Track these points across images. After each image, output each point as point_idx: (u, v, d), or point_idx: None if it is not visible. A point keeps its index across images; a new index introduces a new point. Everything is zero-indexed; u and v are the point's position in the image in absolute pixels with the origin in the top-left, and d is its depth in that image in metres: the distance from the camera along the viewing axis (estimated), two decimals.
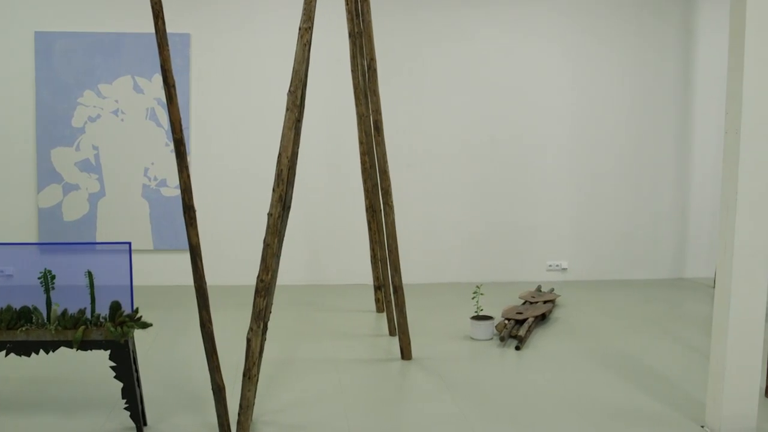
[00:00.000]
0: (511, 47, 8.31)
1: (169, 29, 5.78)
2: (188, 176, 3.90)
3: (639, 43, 8.53)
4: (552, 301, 7.10)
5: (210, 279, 4.90)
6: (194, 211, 3.93)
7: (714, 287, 4.37)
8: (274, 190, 4.20)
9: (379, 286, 6.94)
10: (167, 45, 3.80)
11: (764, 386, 4.95)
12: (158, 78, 7.71)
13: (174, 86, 3.82)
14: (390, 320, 6.26)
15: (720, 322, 4.32)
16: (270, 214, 4.19)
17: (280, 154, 4.21)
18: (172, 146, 6.42)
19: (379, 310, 7.02)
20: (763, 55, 4.10)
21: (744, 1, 4.07)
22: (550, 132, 8.45)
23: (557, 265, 8.58)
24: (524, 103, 8.38)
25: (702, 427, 4.45)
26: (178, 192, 7.78)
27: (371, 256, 6.86)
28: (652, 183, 8.72)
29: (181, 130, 3.85)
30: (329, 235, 8.19)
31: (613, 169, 8.62)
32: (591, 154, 8.56)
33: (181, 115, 3.96)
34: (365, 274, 7.72)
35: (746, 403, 4.33)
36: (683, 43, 8.62)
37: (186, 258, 4.35)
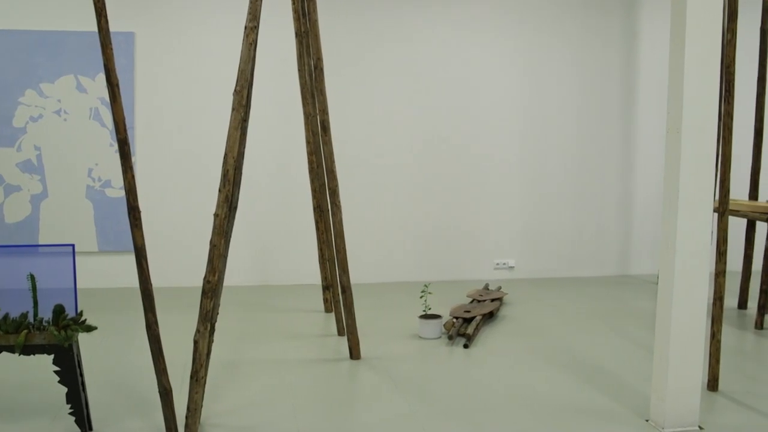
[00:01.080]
0: (458, 47, 8.36)
1: (112, 28, 5.69)
2: (133, 177, 3.85)
3: (584, 44, 8.65)
4: (499, 299, 7.15)
5: (156, 281, 4.85)
6: (139, 212, 3.89)
7: (657, 284, 4.44)
8: (220, 190, 4.16)
9: (327, 286, 6.93)
10: (110, 43, 3.74)
11: (707, 380, 5.06)
12: (102, 77, 7.60)
13: (117, 85, 3.76)
14: (338, 320, 6.26)
15: (663, 317, 4.39)
16: (216, 215, 4.15)
17: (226, 155, 4.18)
18: (116, 146, 6.34)
19: (327, 310, 7.01)
20: (703, 56, 4.18)
21: (684, 4, 4.15)
22: (498, 131, 8.52)
23: (504, 264, 8.66)
24: (472, 102, 8.43)
25: (646, 420, 4.53)
26: (122, 193, 7.67)
27: (319, 256, 6.85)
28: (598, 182, 8.85)
29: (125, 130, 3.80)
30: (277, 236, 8.16)
31: (560, 169, 8.73)
32: (537, 154, 8.65)
33: (126, 115, 3.91)
34: (313, 274, 7.70)
35: (689, 396, 4.41)
36: (627, 44, 8.76)
37: (131, 260, 4.30)
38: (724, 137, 5.10)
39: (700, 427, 4.42)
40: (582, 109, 8.73)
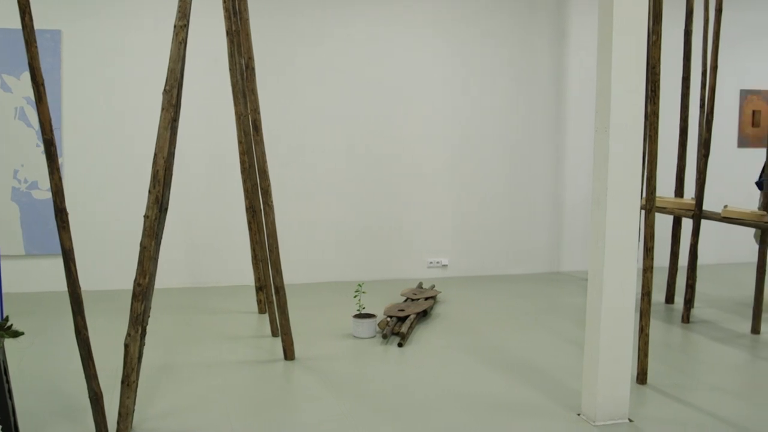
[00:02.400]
0: (390, 46, 8.38)
1: (38, 25, 5.56)
2: (60, 178, 3.77)
3: (515, 44, 8.75)
4: (433, 298, 7.20)
5: (85, 284, 4.76)
6: (67, 214, 3.81)
7: (587, 280, 4.52)
8: (150, 191, 4.11)
9: (260, 287, 6.88)
10: (35, 41, 3.66)
11: (636, 373, 5.17)
12: (27, 76, 7.42)
13: (43, 85, 3.68)
14: (272, 321, 6.22)
15: (593, 313, 4.47)
16: (146, 216, 4.10)
17: (156, 155, 4.12)
18: (42, 147, 6.20)
19: (261, 311, 6.96)
20: (629, 56, 4.27)
21: (611, 7, 4.23)
22: (430, 131, 8.57)
23: (438, 262, 8.72)
24: (404, 101, 8.46)
25: (578, 415, 4.60)
26: (49, 194, 7.51)
27: (252, 257, 6.80)
28: (529, 180, 8.96)
29: (51, 131, 3.72)
30: (209, 237, 8.06)
31: (491, 167, 8.81)
32: (470, 153, 8.72)
33: (52, 115, 3.83)
34: (246, 275, 7.64)
35: (619, 390, 4.50)
36: (557, 45, 8.89)
37: (59, 263, 4.22)
38: (650, 136, 5.21)
39: (630, 420, 4.52)
40: (513, 109, 8.83)
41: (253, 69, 5.58)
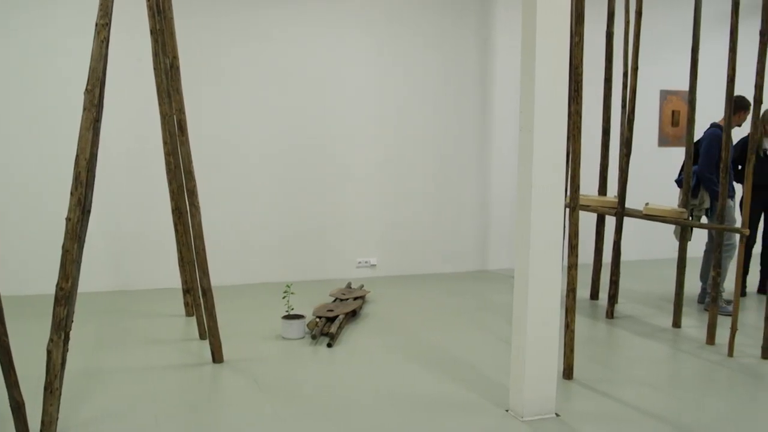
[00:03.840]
0: (317, 46, 8.36)
1: None
2: None
3: (442, 43, 8.82)
4: (362, 298, 7.20)
5: (4, 289, 4.64)
6: None
7: (514, 277, 4.58)
8: (72, 193, 4.02)
9: (187, 290, 6.79)
10: None
11: (562, 369, 5.25)
12: None
13: None
14: (200, 323, 6.15)
15: (519, 310, 4.53)
16: (68, 219, 4.01)
17: (77, 156, 4.04)
18: None
19: (188, 313, 6.87)
20: (552, 58, 4.34)
21: (534, 8, 4.29)
22: (358, 130, 8.58)
23: (366, 262, 8.73)
24: (332, 101, 8.45)
25: (506, 410, 4.66)
26: None
27: (179, 259, 6.71)
28: (456, 179, 9.04)
29: None
30: (134, 239, 7.92)
31: (419, 167, 8.87)
32: (397, 152, 8.75)
33: None
34: (173, 278, 7.54)
35: (546, 385, 4.57)
36: (483, 46, 8.99)
37: None
38: (573, 135, 5.30)
39: (557, 414, 4.59)
40: (440, 109, 8.89)
41: (177, 68, 5.50)
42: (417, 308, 7.33)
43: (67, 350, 4.09)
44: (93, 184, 4.15)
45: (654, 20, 9.39)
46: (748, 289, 8.16)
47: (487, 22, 9.00)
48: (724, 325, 6.59)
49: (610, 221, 8.07)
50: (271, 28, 8.19)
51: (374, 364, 5.58)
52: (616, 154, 8.48)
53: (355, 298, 7.10)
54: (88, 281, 7.39)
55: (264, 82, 8.20)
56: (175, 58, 5.49)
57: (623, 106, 7.36)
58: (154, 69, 6.19)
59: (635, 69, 7.10)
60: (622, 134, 7.31)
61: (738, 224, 7.12)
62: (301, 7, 8.27)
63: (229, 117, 8.11)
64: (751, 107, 6.06)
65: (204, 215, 6.13)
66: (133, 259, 7.95)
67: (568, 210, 6.32)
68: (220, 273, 7.82)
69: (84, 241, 4.13)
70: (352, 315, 6.81)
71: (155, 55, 6.14)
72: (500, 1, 9.05)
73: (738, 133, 8.02)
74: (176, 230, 6.51)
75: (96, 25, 4.15)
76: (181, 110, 5.50)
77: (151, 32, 6.09)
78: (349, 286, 7.72)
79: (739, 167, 7.82)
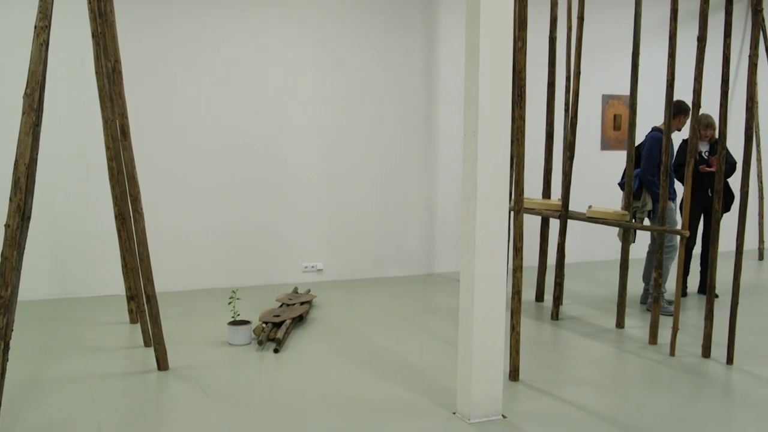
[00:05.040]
0: (261, 50, 8.31)
1: None
2: None
3: (387, 46, 8.83)
4: (309, 302, 7.18)
5: None
6: None
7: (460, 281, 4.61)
8: (11, 199, 3.94)
9: (131, 296, 6.70)
10: None
11: (508, 370, 5.29)
12: None
13: None
14: (144, 331, 6.07)
15: (465, 312, 4.56)
16: (7, 226, 3.93)
17: (17, 161, 3.96)
18: None
19: (132, 320, 6.78)
20: (495, 63, 4.38)
21: (478, 14, 4.33)
22: (303, 135, 8.55)
23: (313, 267, 8.70)
24: (277, 105, 8.41)
25: (453, 413, 4.68)
26: None
27: (122, 266, 6.61)
28: (401, 183, 9.06)
29: None
30: (76, 246, 7.79)
31: (365, 171, 8.87)
32: (343, 156, 8.75)
33: None
34: (117, 284, 7.43)
35: (492, 387, 4.60)
36: (428, 50, 9.03)
37: None
38: (517, 139, 5.36)
39: (504, 416, 4.63)
40: (386, 112, 8.91)
41: (120, 72, 5.44)
42: (364, 312, 7.33)
43: (7, 360, 4.01)
44: (33, 189, 4.08)
45: (596, 26, 9.54)
46: (688, 290, 8.31)
47: (432, 26, 9.05)
48: (665, 325, 6.71)
49: (554, 224, 8.17)
50: (214, 32, 8.12)
51: (321, 369, 5.57)
52: (559, 158, 8.58)
53: (302, 303, 7.07)
54: (28, 289, 7.24)
55: (207, 86, 8.13)
56: (117, 61, 5.42)
57: (566, 111, 7.46)
58: (96, 73, 6.11)
59: (578, 74, 7.20)
60: (565, 138, 7.40)
61: (679, 226, 7.26)
62: (244, 10, 8.21)
63: (172, 121, 8.02)
64: (691, 111, 6.18)
65: (148, 221, 6.05)
66: (76, 266, 7.81)
67: (512, 213, 6.38)
68: (164, 279, 7.73)
69: (24, 248, 4.05)
70: (299, 320, 6.79)
71: (97, 58, 6.06)
72: (444, 5, 9.11)
73: (679, 137, 8.18)
74: (119, 236, 6.42)
75: (35, 27, 4.08)
76: (123, 115, 5.43)
77: (93, 35, 6.01)
78: (295, 290, 7.69)
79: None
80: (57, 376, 5.34)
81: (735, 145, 8.91)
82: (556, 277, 7.25)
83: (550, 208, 7.36)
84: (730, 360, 5.83)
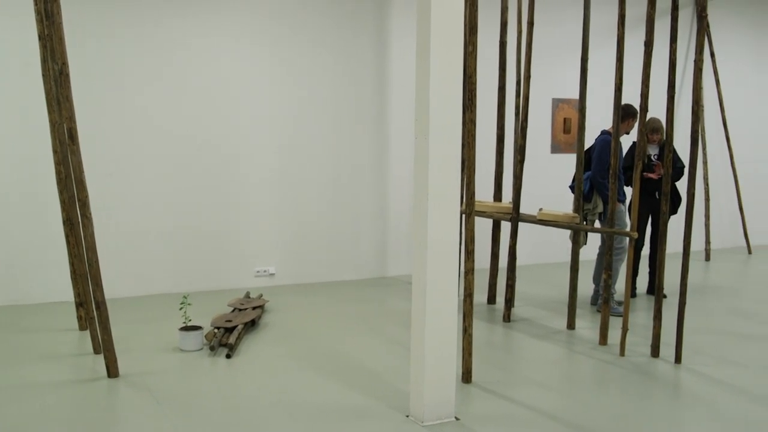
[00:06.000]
0: (214, 53, 8.24)
1: None
2: None
3: (339, 49, 8.82)
4: (261, 307, 7.14)
5: None
6: None
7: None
8: None
9: (80, 303, 6.60)
10: None
11: (461, 373, 5.32)
12: None
13: None
14: (94, 337, 5.98)
15: (418, 315, 4.57)
16: None
17: None
18: None
19: (81, 327, 6.68)
20: (446, 67, 4.40)
21: (429, 18, 4.35)
22: (254, 138, 8.49)
23: (265, 271, 8.66)
24: (229, 109, 8.35)
25: (407, 416, 4.69)
26: None
27: (71, 272, 6.51)
28: (353, 186, 9.05)
29: None
30: (24, 251, 7.64)
31: (316, 174, 8.84)
32: (294, 159, 8.71)
33: None
34: (65, 291, 7.31)
35: (445, 390, 4.62)
36: (379, 53, 9.04)
37: None
38: (468, 143, 5.39)
39: (457, 418, 4.65)
40: (338, 116, 8.89)
41: (67, 75, 5.35)
42: (316, 316, 7.31)
43: None
44: None
45: (546, 30, 9.64)
46: (638, 290, 8.43)
47: (384, 28, 9.06)
48: (615, 325, 6.80)
49: (506, 227, 8.23)
50: (165, 34, 8.03)
51: (274, 374, 5.54)
52: (510, 161, 8.65)
53: (254, 308, 7.03)
54: None
55: (157, 89, 8.03)
56: (64, 64, 5.34)
57: (517, 114, 7.52)
58: (43, 75, 6.02)
59: (528, 78, 7.27)
60: (515, 141, 7.46)
61: (628, 228, 7.36)
62: (195, 13, 8.14)
63: (121, 124, 7.91)
64: (638, 115, 6.28)
65: (97, 226, 5.98)
66: (23, 272, 7.66)
67: (464, 216, 6.42)
68: (114, 285, 7.63)
69: None
70: (251, 325, 6.75)
71: (44, 61, 5.97)
72: (396, 8, 9.13)
73: (628, 140, 8.30)
74: (68, 242, 6.32)
75: None
76: (71, 118, 5.35)
77: (40, 37, 5.92)
78: (247, 295, 7.64)
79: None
80: (4, 384, 5.24)
81: (682, 148, 9.09)
82: (508, 279, 7.30)
83: (501, 210, 7.41)
84: (678, 359, 5.93)
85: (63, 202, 6.28)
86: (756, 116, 12.14)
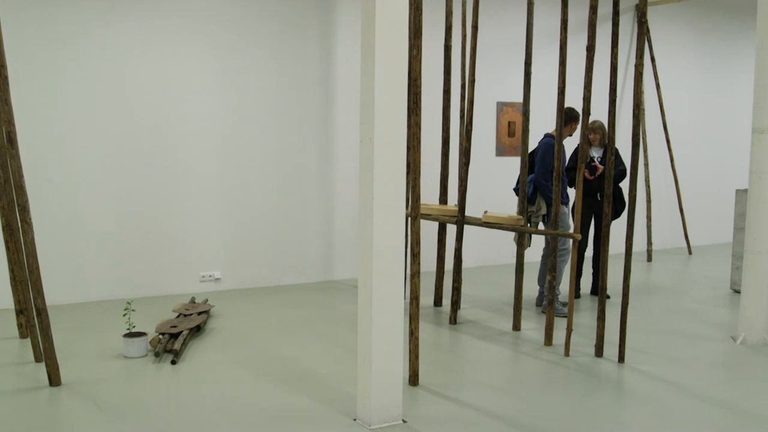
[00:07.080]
0: (156, 56, 8.14)
1: None
2: None
3: (283, 52, 8.77)
4: (206, 312, 7.08)
5: None
6: None
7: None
8: None
9: (20, 310, 6.47)
10: None
11: (408, 375, 5.33)
12: None
13: None
14: (35, 345, 5.86)
15: (364, 318, 4.58)
16: None
17: None
18: None
19: (22, 335, 6.54)
20: (391, 70, 4.42)
21: (373, 22, 4.36)
22: (198, 142, 8.41)
23: (210, 276, 8.57)
24: (170, 112, 8.25)
25: (354, 420, 4.69)
26: None
27: (10, 278, 6.37)
28: (299, 190, 9.01)
29: None
30: None
31: (261, 177, 8.78)
32: (239, 164, 8.64)
33: None
34: (5, 298, 7.16)
35: (392, 393, 4.63)
36: (324, 57, 9.02)
37: None
38: (413, 146, 5.40)
39: (404, 421, 4.66)
40: (282, 119, 8.85)
41: (6, 77, 5.26)
42: (262, 321, 7.27)
43: None
44: None
45: (490, 34, 9.73)
46: (581, 291, 8.55)
47: (328, 32, 9.05)
48: (560, 326, 6.88)
49: (451, 229, 8.27)
50: (106, 37, 7.91)
51: (219, 379, 5.50)
52: (455, 164, 8.70)
53: (200, 313, 6.97)
54: None
55: (98, 93, 7.90)
56: (2, 66, 5.23)
57: (461, 117, 7.57)
58: None
59: (472, 81, 7.31)
60: (460, 144, 7.50)
61: (572, 230, 7.45)
62: (136, 15, 8.03)
63: (62, 128, 7.77)
64: (581, 118, 6.36)
65: (37, 231, 5.86)
66: None
67: (409, 219, 6.44)
68: (55, 292, 7.49)
69: None
70: (197, 330, 6.69)
71: None
72: (341, 12, 9.12)
73: (571, 143, 8.41)
74: (7, 248, 6.18)
75: None
76: (10, 121, 5.25)
77: None
78: (192, 300, 7.57)
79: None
80: None
81: (624, 150, 9.23)
82: (454, 281, 7.34)
83: (447, 213, 7.45)
84: (621, 358, 6.02)
85: (2, 208, 6.13)
86: (695, 119, 12.41)
